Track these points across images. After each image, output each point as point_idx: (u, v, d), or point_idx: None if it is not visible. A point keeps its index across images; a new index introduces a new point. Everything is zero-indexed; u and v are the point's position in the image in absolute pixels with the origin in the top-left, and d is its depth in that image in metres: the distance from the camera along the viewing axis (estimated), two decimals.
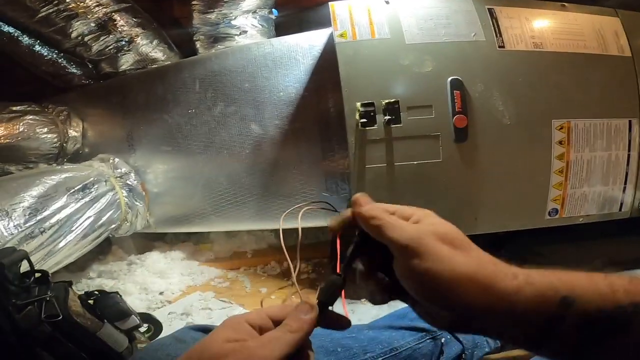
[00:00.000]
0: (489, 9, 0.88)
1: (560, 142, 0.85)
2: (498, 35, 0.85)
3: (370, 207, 0.34)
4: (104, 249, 1.32)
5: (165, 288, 1.13)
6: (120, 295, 0.77)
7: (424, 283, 0.29)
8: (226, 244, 1.38)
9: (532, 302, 0.27)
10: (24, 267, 0.69)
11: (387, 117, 0.85)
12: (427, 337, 0.64)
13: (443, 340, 0.65)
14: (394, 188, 0.87)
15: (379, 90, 0.86)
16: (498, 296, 0.27)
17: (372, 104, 0.85)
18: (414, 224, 0.33)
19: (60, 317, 0.61)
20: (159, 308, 1.07)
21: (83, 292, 0.74)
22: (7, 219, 0.90)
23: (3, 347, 0.59)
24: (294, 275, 0.97)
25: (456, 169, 0.86)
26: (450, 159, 0.86)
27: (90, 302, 0.72)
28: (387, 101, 0.85)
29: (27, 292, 0.63)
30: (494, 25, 0.87)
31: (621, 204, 0.90)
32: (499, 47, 0.85)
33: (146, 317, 0.86)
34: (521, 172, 0.86)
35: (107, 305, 0.72)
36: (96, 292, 0.73)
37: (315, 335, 0.59)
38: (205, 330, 0.46)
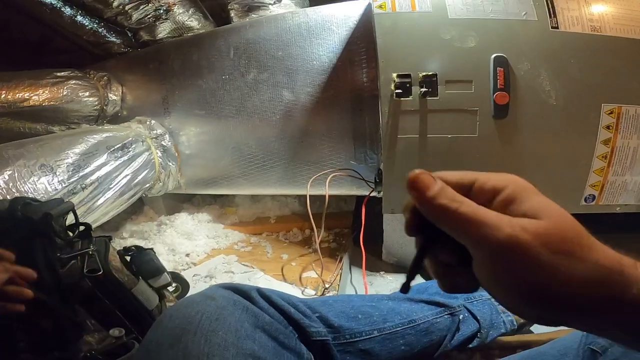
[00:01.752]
0: None
1: (608, 127, 0.77)
2: (552, 16, 0.77)
3: (437, 191, 0.24)
4: (136, 209, 1.34)
5: (191, 250, 1.15)
6: (154, 253, 0.76)
7: (522, 294, 0.22)
8: (250, 209, 1.38)
9: None
10: (69, 220, 0.68)
11: (424, 90, 0.79)
12: (446, 313, 0.63)
13: (461, 317, 0.63)
14: (425, 160, 0.83)
15: (416, 63, 0.80)
16: (624, 308, 0.21)
17: (408, 76, 0.80)
18: (506, 217, 0.23)
19: (101, 272, 0.59)
20: (185, 270, 1.08)
21: (122, 248, 0.74)
22: (51, 174, 0.91)
23: (44, 303, 0.55)
24: (317, 241, 0.96)
25: (492, 145, 0.80)
26: (487, 134, 0.80)
27: (127, 258, 0.72)
28: (424, 73, 0.80)
29: (70, 245, 0.61)
30: (548, 6, 0.79)
31: None
32: (552, 27, 0.77)
33: (175, 277, 0.87)
34: (562, 153, 0.80)
35: (143, 262, 0.71)
36: (133, 248, 0.73)
37: (337, 301, 0.59)
38: (234, 289, 0.45)
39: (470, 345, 0.64)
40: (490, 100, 0.78)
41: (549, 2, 0.79)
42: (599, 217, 0.84)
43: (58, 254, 0.58)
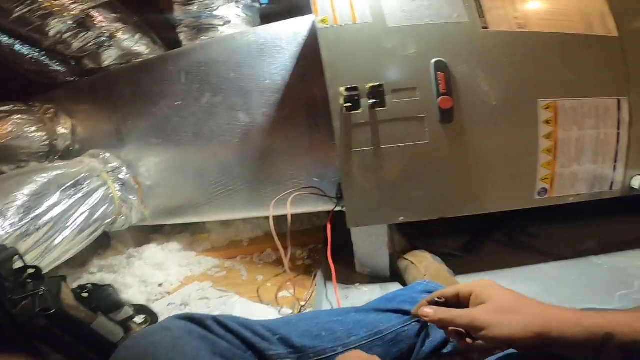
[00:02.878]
0: None
1: (548, 122, 0.84)
2: (481, 16, 0.83)
3: (433, 315, 0.49)
4: (103, 243, 1.34)
5: (164, 280, 1.16)
6: (114, 288, 0.79)
7: (494, 342, 0.42)
8: (222, 234, 1.40)
9: (582, 338, 0.38)
10: (20, 264, 0.70)
11: (372, 101, 0.84)
12: (413, 320, 0.65)
13: (429, 323, 0.66)
14: (381, 171, 0.87)
15: (362, 74, 0.85)
16: (551, 340, 0.38)
17: (356, 88, 0.84)
18: (474, 309, 0.45)
19: (54, 310, 0.63)
20: (158, 300, 1.09)
21: (77, 286, 0.76)
22: (1, 218, 0.91)
23: (3, 340, 0.61)
24: (286, 262, 0.98)
25: (443, 150, 0.85)
26: (437, 140, 0.85)
27: (85, 295, 0.75)
28: (371, 85, 0.84)
29: (22, 287, 0.66)
30: (477, 6, 0.85)
31: (612, 183, 0.89)
32: (483, 28, 0.83)
33: (141, 308, 0.88)
34: (509, 151, 0.86)
35: (101, 298, 0.74)
36: (89, 285, 0.75)
37: (301, 320, 0.61)
38: (190, 318, 0.47)
39: (445, 350, 0.66)
40: (435, 106, 0.83)
41: (477, 2, 0.84)
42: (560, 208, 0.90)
43: (9, 296, 0.63)
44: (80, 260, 1.24)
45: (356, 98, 0.84)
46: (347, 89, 0.85)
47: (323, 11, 0.88)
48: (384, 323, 0.63)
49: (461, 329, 0.46)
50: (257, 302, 1.03)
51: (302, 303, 0.98)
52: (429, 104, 0.84)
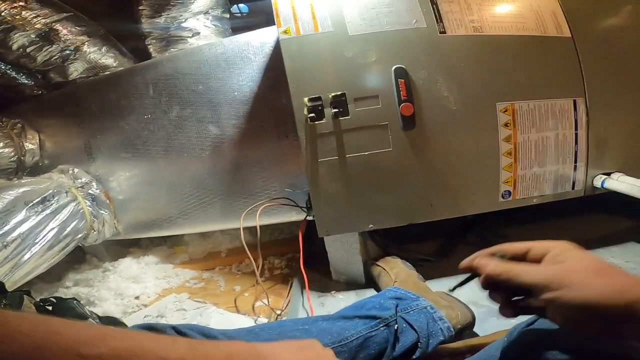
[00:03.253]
0: None
1: (506, 125, 0.86)
2: (439, 21, 0.85)
3: (493, 267, 0.41)
4: (78, 258, 1.33)
5: (140, 292, 1.16)
6: (78, 301, 0.78)
7: (569, 306, 0.36)
8: (200, 245, 1.40)
9: None
10: None
11: (335, 110, 0.85)
12: (381, 325, 0.66)
13: (397, 327, 0.67)
14: (348, 180, 0.89)
15: (325, 84, 0.87)
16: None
17: (319, 98, 0.86)
18: (552, 266, 0.39)
19: None
20: (135, 312, 1.09)
21: (38, 300, 0.75)
22: None
23: None
24: (257, 272, 0.99)
25: (407, 156, 0.87)
26: (400, 147, 0.87)
27: (48, 307, 0.74)
28: (333, 94, 0.86)
29: None
30: (434, 11, 0.87)
31: (574, 183, 0.92)
32: (440, 32, 0.86)
33: (108, 320, 0.88)
34: (471, 156, 0.88)
35: (64, 311, 0.74)
36: (52, 299, 0.75)
37: (264, 329, 0.61)
38: (150, 328, 0.49)
39: (414, 356, 0.67)
40: (397, 113, 0.85)
41: (434, 7, 0.87)
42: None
43: None
44: (55, 275, 1.24)
45: (320, 108, 0.86)
46: (311, 99, 0.86)
47: (285, 22, 0.90)
48: (350, 330, 0.64)
49: (522, 288, 0.39)
50: (234, 312, 1.03)
51: (278, 312, 0.99)
52: (391, 111, 0.86)
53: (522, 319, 0.48)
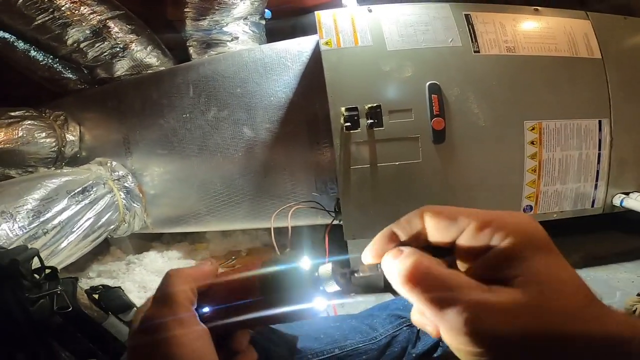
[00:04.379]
0: (466, 15, 0.96)
1: (532, 142, 0.93)
2: (474, 40, 0.93)
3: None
4: (102, 249, 1.40)
5: None
6: (123, 290, 0.84)
7: None
8: (221, 243, 1.47)
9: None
10: (35, 264, 0.76)
11: (370, 121, 0.93)
12: (404, 325, 0.73)
13: (419, 328, 0.73)
14: (377, 188, 0.96)
15: (362, 95, 0.94)
16: None
17: (355, 109, 0.94)
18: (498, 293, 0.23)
19: (71, 309, 0.69)
20: None
21: (89, 287, 0.82)
22: (11, 221, 0.99)
23: (19, 338, 0.65)
24: None
25: (435, 168, 0.94)
26: (429, 159, 0.94)
27: (95, 296, 0.81)
28: (369, 105, 0.94)
29: (38, 287, 0.70)
30: (470, 31, 0.94)
31: (593, 201, 0.99)
32: (474, 51, 0.93)
33: None
34: (496, 170, 0.94)
35: (111, 299, 0.79)
36: (100, 287, 0.81)
37: (301, 325, 0.68)
38: None
39: (436, 355, 0.73)
40: (429, 126, 0.93)
41: (470, 27, 0.94)
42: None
43: (27, 295, 0.67)
44: (79, 265, 1.30)
45: (355, 118, 0.94)
46: (347, 109, 0.94)
47: (327, 34, 0.98)
48: (378, 329, 0.70)
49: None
50: None
51: None
52: (423, 125, 0.93)
53: None
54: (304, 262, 0.29)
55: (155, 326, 0.29)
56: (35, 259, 0.76)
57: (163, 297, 0.32)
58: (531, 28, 0.96)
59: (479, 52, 0.94)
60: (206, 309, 0.32)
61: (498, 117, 0.93)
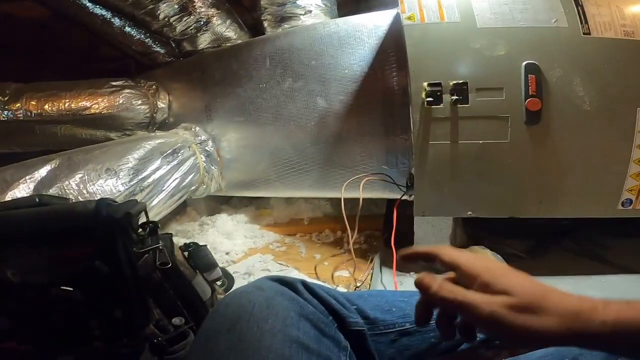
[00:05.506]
0: None
1: None
2: (583, 22, 0.80)
3: (438, 287, 0.35)
4: (180, 209, 1.45)
5: (230, 249, 1.24)
6: (208, 249, 0.85)
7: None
8: (284, 211, 1.48)
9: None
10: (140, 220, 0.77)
11: (455, 97, 0.84)
12: None
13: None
14: (456, 165, 0.88)
15: (446, 71, 0.86)
16: (591, 337, 0.31)
17: (439, 84, 0.85)
18: (486, 297, 0.32)
19: (170, 265, 0.67)
20: (225, 267, 1.15)
21: (182, 244, 0.83)
22: (115, 178, 1.06)
23: (123, 293, 0.62)
24: (351, 242, 1.04)
25: (525, 150, 0.84)
26: (519, 140, 0.84)
27: (185, 254, 0.79)
28: (455, 82, 0.85)
29: (142, 242, 0.68)
30: (579, 12, 0.81)
31: None
32: (584, 34, 0.80)
33: (224, 272, 0.96)
34: (597, 159, 0.83)
35: (200, 257, 0.79)
36: (192, 244, 0.83)
37: (371, 295, 0.66)
38: (281, 280, 0.51)
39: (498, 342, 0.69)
40: (522, 107, 0.82)
41: (579, 8, 0.81)
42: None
43: (134, 249, 0.66)
44: (161, 224, 1.38)
45: (439, 93, 0.86)
46: (430, 84, 0.86)
47: (410, 8, 0.89)
48: None
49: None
50: (314, 278, 1.08)
51: (358, 284, 1.03)
52: (515, 105, 0.83)
53: None
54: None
55: None
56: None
57: None
58: None
59: (589, 34, 0.80)
60: None
61: (607, 102, 0.80)
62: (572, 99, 0.80)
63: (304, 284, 0.52)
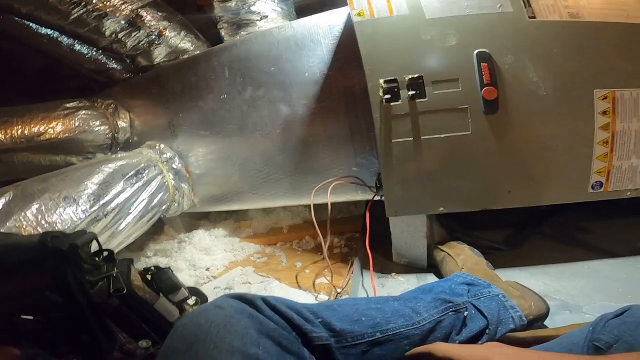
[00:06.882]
0: None
1: (605, 112, 0.78)
2: (527, 5, 0.80)
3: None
4: (157, 229, 1.43)
5: (210, 264, 1.22)
6: (172, 271, 0.85)
7: None
8: (263, 221, 1.45)
9: None
10: (94, 247, 0.78)
11: (412, 92, 0.83)
12: (450, 310, 0.66)
13: (466, 314, 0.67)
14: (421, 161, 0.87)
15: (401, 66, 0.84)
16: None
17: (395, 80, 0.84)
18: None
19: (125, 291, 0.69)
20: (205, 283, 1.15)
21: (142, 269, 0.83)
22: (75, 205, 1.02)
23: (81, 320, 0.65)
24: (325, 249, 1.02)
25: (487, 141, 0.83)
26: (480, 131, 0.83)
27: (148, 277, 0.80)
28: (410, 76, 0.83)
29: (97, 269, 0.70)
30: None
31: None
32: (530, 17, 0.79)
33: (193, 291, 0.95)
34: (560, 143, 0.82)
35: (162, 279, 0.79)
36: (152, 268, 0.82)
37: (342, 305, 0.64)
38: (241, 298, 0.51)
39: (480, 342, 0.67)
40: (479, 97, 0.81)
41: None
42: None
43: (87, 277, 0.68)
44: (138, 245, 1.34)
45: (395, 90, 0.84)
46: (386, 81, 0.85)
47: (358, 4, 0.88)
48: (422, 313, 0.64)
49: None
50: (295, 287, 1.07)
51: (339, 290, 1.02)
52: (472, 95, 0.81)
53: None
54: None
55: None
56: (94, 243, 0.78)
57: None
58: None
59: (534, 17, 0.79)
60: None
61: (563, 86, 0.79)
62: (527, 84, 0.79)
63: (265, 300, 0.52)
